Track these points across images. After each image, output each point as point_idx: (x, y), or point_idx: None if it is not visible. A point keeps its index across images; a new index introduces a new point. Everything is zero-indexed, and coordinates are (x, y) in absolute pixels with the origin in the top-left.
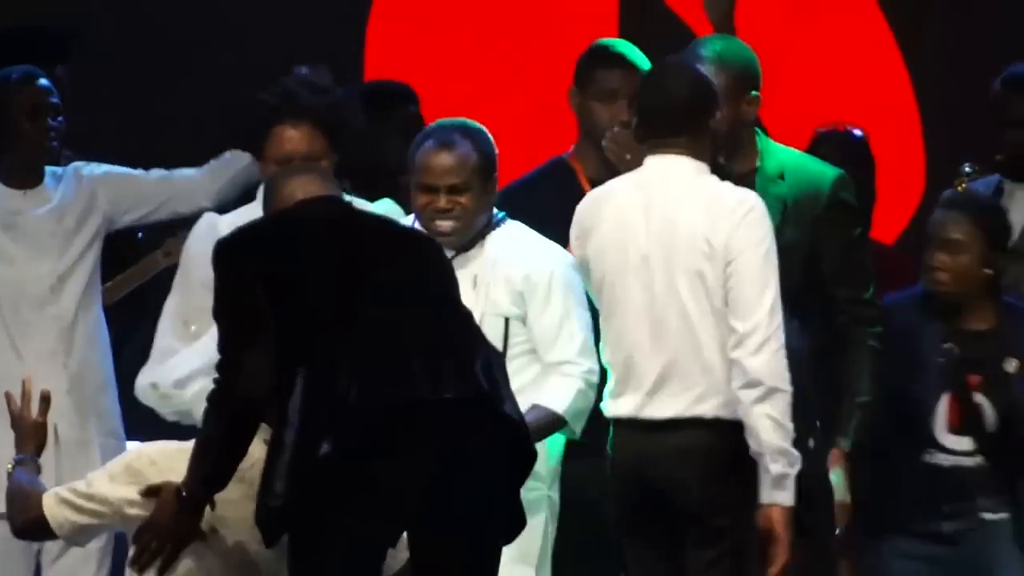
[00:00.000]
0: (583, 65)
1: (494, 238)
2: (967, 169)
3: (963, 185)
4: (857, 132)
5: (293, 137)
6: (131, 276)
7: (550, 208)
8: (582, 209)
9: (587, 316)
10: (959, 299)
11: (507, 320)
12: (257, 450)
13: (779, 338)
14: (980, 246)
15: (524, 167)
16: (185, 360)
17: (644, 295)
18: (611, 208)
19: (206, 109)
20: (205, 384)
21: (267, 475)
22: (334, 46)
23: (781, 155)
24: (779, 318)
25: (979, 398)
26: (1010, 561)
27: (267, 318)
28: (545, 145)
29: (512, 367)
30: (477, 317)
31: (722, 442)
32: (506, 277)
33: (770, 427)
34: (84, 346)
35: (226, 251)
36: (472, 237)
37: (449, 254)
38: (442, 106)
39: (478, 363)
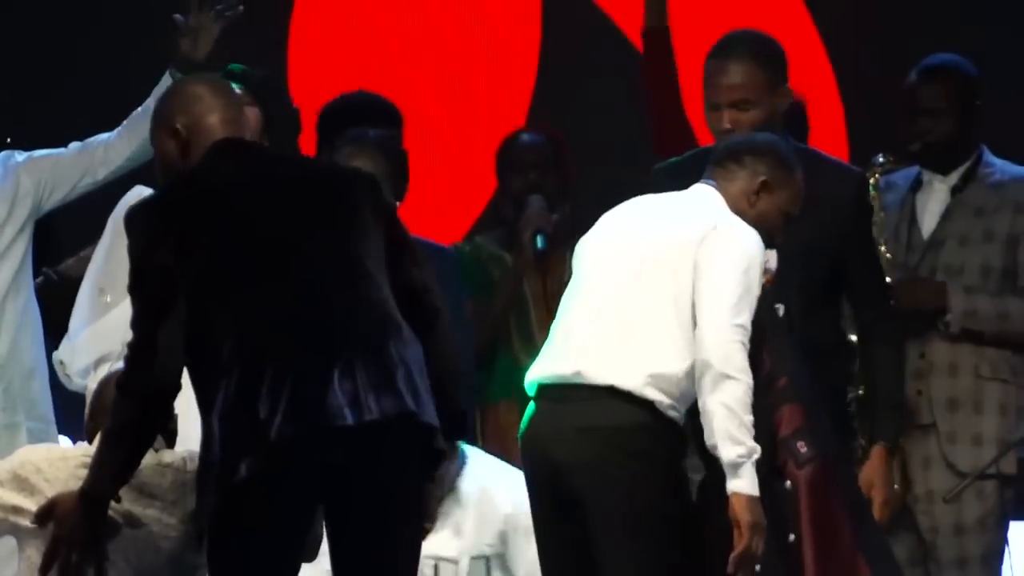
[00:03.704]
0: None
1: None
2: (880, 160)
3: (876, 176)
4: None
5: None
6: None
7: None
8: None
9: None
10: None
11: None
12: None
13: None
14: None
15: (447, 159)
16: (89, 345)
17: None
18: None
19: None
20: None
21: (201, 485)
22: (258, 46)
23: None
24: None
25: None
26: None
27: (179, 294)
28: (468, 137)
29: None
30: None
31: (627, 418)
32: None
33: (724, 414)
34: (13, 331)
35: (137, 221)
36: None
37: None
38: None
39: (399, 372)
